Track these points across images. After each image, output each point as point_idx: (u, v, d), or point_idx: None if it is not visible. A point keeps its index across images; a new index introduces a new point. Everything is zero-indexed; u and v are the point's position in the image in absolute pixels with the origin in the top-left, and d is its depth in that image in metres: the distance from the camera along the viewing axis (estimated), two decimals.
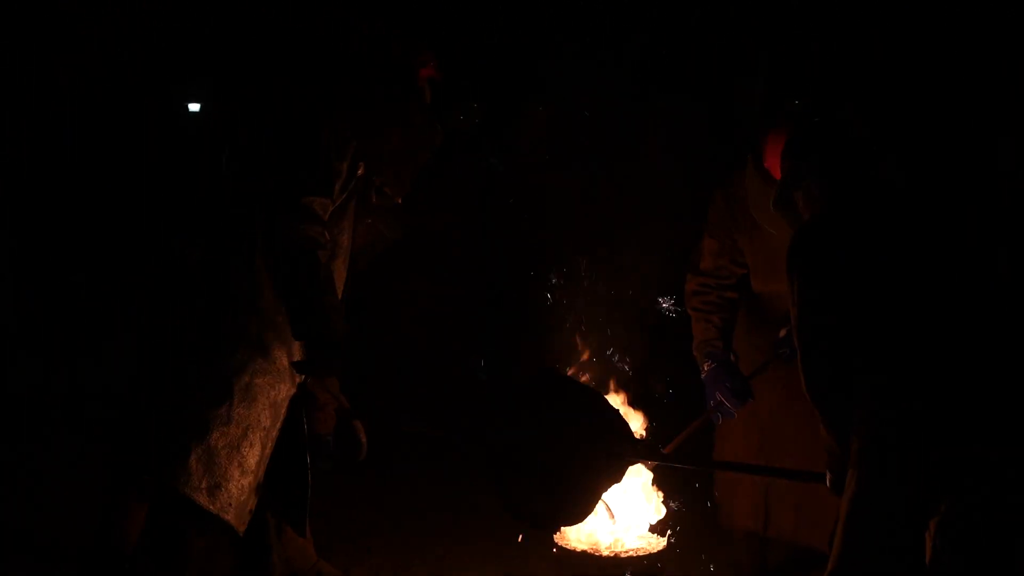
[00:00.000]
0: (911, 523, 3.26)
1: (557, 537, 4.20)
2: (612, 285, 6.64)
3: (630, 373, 4.68)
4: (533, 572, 4.72)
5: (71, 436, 7.01)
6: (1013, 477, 3.23)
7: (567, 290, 6.67)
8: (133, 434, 4.14)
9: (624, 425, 4.01)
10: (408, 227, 4.49)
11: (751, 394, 4.57)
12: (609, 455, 3.89)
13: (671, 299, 4.82)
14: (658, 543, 4.19)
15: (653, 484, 4.32)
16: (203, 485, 3.86)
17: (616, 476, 3.95)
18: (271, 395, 4.00)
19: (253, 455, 3.96)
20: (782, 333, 4.54)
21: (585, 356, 4.69)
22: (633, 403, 4.49)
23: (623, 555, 4.09)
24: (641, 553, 4.12)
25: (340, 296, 4.04)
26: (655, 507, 4.29)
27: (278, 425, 4.04)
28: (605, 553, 4.10)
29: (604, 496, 4.14)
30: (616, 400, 4.45)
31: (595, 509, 4.02)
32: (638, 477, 4.31)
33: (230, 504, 3.89)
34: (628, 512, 4.27)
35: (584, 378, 4.57)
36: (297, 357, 4.02)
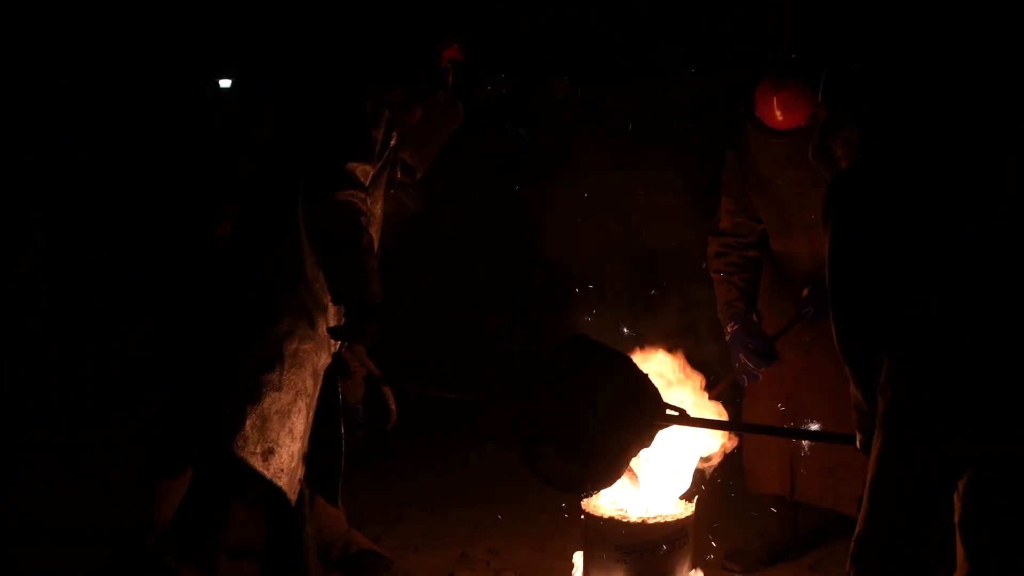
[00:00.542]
0: (939, 484, 3.25)
1: (584, 504, 4.20)
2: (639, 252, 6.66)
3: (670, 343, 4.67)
4: (564, 539, 4.74)
5: (105, 420, 7.11)
6: None
7: (598, 261, 6.68)
8: (179, 406, 4.19)
9: (654, 389, 4.00)
10: (431, 199, 4.52)
11: (776, 355, 4.58)
12: (639, 419, 3.90)
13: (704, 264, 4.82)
14: (687, 509, 4.19)
15: (681, 450, 4.32)
16: (258, 450, 3.90)
17: (646, 440, 3.95)
18: (315, 362, 4.05)
19: (300, 422, 4.00)
20: (805, 293, 4.54)
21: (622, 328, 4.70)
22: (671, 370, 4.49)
23: (651, 522, 4.09)
24: (669, 519, 4.11)
25: None
26: (682, 473, 4.28)
27: (316, 395, 4.08)
28: (633, 520, 4.10)
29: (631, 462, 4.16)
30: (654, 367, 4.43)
31: (623, 474, 4.03)
32: (665, 443, 4.31)
33: (282, 470, 3.94)
34: (655, 478, 4.27)
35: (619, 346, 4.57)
36: (332, 324, 4.06)
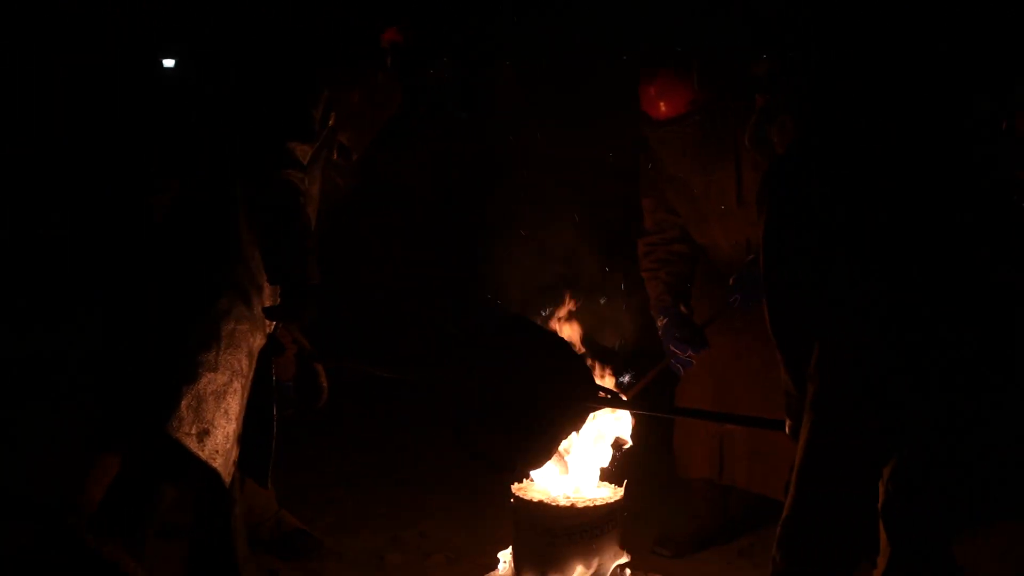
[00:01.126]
0: (865, 470, 3.28)
1: (514, 488, 4.21)
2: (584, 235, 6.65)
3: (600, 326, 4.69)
4: (495, 523, 4.75)
5: (45, 397, 7.02)
6: (964, 428, 3.25)
7: (538, 241, 6.67)
8: (116, 384, 4.14)
9: (587, 371, 4.02)
10: (363, 179, 4.51)
11: (705, 343, 4.63)
12: (571, 400, 3.90)
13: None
14: (616, 493, 4.21)
15: (609, 433, 4.33)
16: (193, 431, 3.85)
17: (577, 422, 3.96)
18: (251, 342, 4.01)
19: (236, 403, 3.96)
20: (731, 281, 4.58)
21: (561, 308, 4.69)
22: (599, 355, 4.50)
23: (580, 505, 4.10)
24: (598, 503, 4.12)
25: None
26: (608, 456, 4.30)
27: (251, 375, 4.05)
28: (562, 503, 4.11)
29: (563, 443, 4.17)
30: (583, 351, 4.45)
31: (553, 455, 4.04)
32: (593, 426, 4.32)
33: (216, 451, 3.89)
34: (583, 462, 4.28)
35: (556, 327, 4.57)
36: (268, 305, 4.04)
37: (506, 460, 3.98)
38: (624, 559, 4.20)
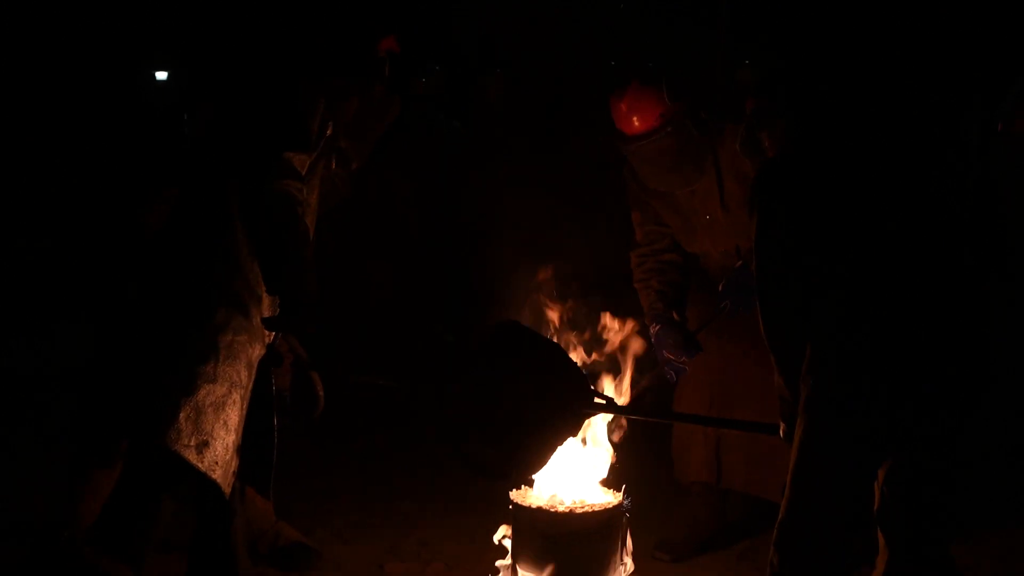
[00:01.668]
0: (860, 471, 3.29)
1: (513, 494, 4.21)
2: (574, 245, 6.66)
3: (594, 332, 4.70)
4: (494, 530, 4.74)
5: (34, 411, 6.99)
6: (958, 430, 3.27)
7: (530, 252, 6.67)
8: (110, 397, 4.14)
9: (582, 378, 4.02)
10: (360, 184, 4.51)
11: (699, 347, 4.64)
12: (565, 407, 3.91)
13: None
14: (615, 498, 4.21)
15: (608, 439, 4.34)
16: (192, 443, 3.85)
17: (572, 429, 3.97)
18: (249, 353, 4.02)
19: (235, 414, 3.96)
20: (720, 287, 4.61)
21: (552, 316, 4.69)
22: (592, 362, 4.51)
23: (579, 511, 4.10)
24: (597, 508, 4.13)
25: None
26: (608, 462, 4.31)
27: (250, 386, 4.05)
28: (561, 509, 4.11)
29: (559, 450, 4.17)
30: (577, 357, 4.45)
31: (549, 463, 4.04)
32: (593, 433, 4.33)
33: (216, 463, 3.89)
34: (582, 468, 4.29)
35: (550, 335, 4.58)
36: (266, 315, 4.04)
37: (500, 469, 3.99)
38: (629, 566, 4.20)
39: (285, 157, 3.90)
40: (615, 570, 4.17)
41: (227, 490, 3.95)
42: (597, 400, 4.00)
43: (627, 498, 4.18)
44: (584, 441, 4.29)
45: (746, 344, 4.53)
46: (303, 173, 3.96)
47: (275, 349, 4.18)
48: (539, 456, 3.93)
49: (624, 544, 4.18)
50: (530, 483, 4.31)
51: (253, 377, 4.06)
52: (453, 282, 7.60)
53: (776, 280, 3.33)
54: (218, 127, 4.18)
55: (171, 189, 4.22)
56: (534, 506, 4.14)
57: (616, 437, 4.32)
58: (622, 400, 4.34)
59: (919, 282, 3.23)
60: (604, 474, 4.30)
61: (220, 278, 4.00)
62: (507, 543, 4.25)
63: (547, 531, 4.09)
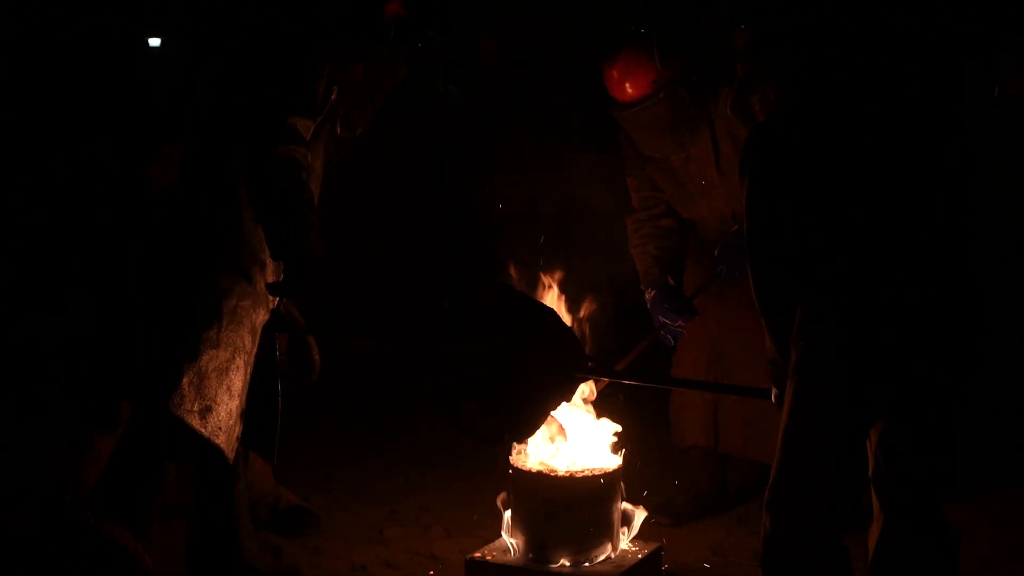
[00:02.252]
0: (850, 434, 3.28)
1: (512, 458, 4.23)
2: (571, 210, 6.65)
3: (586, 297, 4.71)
4: (494, 496, 4.76)
5: (36, 377, 6.99)
6: (948, 392, 3.27)
7: (527, 217, 6.67)
8: (113, 362, 4.14)
9: (575, 342, 4.03)
10: (358, 147, 4.50)
11: (695, 311, 4.66)
12: (558, 371, 3.92)
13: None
14: (613, 463, 4.23)
15: (605, 403, 4.36)
16: (195, 408, 3.85)
17: (565, 393, 3.97)
18: (253, 319, 4.01)
19: (239, 379, 3.96)
20: (716, 252, 4.62)
21: (548, 282, 4.70)
22: (587, 324, 4.52)
23: (578, 475, 4.12)
24: (597, 472, 4.14)
25: None
26: (607, 426, 4.32)
27: (254, 351, 4.05)
28: (561, 473, 4.13)
29: (556, 415, 4.18)
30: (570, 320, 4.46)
31: (543, 426, 4.06)
32: (591, 397, 4.34)
33: (219, 428, 3.89)
34: (582, 432, 4.30)
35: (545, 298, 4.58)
36: (271, 280, 4.04)
37: (493, 432, 4.00)
38: (640, 513, 4.24)
39: (290, 122, 3.88)
40: (614, 534, 4.20)
41: (230, 456, 3.96)
42: (591, 364, 4.01)
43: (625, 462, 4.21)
44: (584, 405, 4.31)
45: (743, 308, 4.53)
46: (308, 138, 3.94)
47: (279, 314, 4.18)
48: (532, 419, 3.95)
49: (622, 507, 4.22)
50: (528, 447, 4.33)
51: (257, 342, 4.06)
52: (448, 245, 7.61)
53: (766, 245, 3.33)
54: (222, 92, 4.15)
55: (170, 147, 4.21)
56: (534, 470, 4.15)
57: (591, 395, 4.34)
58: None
59: (912, 245, 3.23)
60: (604, 438, 4.31)
61: (224, 243, 3.99)
62: (506, 508, 4.27)
63: (546, 495, 4.11)
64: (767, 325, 3.38)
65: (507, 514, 4.27)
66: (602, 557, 4.15)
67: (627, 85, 4.53)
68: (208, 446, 3.90)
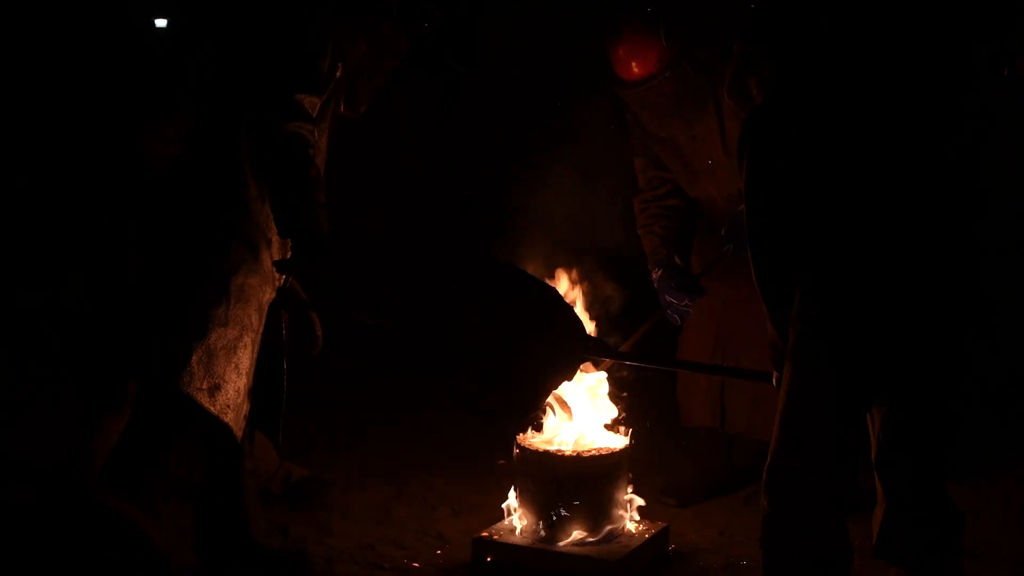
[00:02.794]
0: (847, 416, 3.28)
1: (520, 438, 4.23)
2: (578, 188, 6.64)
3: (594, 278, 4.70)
4: (501, 475, 4.77)
5: (42, 353, 6.98)
6: (947, 374, 3.27)
7: (534, 196, 6.65)
8: (120, 339, 4.13)
9: (578, 322, 4.03)
10: (361, 127, 4.49)
11: (701, 291, 4.67)
12: (561, 350, 3.92)
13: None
14: (620, 442, 4.23)
15: (613, 383, 4.36)
16: (204, 386, 3.85)
17: (567, 372, 3.98)
18: (260, 297, 4.01)
19: (246, 357, 3.96)
20: (723, 231, 4.61)
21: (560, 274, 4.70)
22: (591, 307, 4.52)
23: (585, 454, 4.13)
24: (604, 452, 4.15)
25: None
26: (611, 407, 4.33)
27: (261, 329, 4.06)
28: (568, 452, 4.14)
29: (561, 394, 4.19)
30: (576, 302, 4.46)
31: (547, 406, 4.07)
32: (599, 377, 4.34)
33: (228, 406, 3.90)
34: (588, 412, 4.30)
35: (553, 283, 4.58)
36: (278, 258, 4.03)
37: (497, 413, 4.01)
38: (638, 501, 4.24)
39: (296, 99, 3.87)
40: (620, 514, 4.20)
41: (238, 433, 3.97)
42: (593, 344, 4.02)
43: (633, 441, 4.21)
44: (587, 384, 4.31)
45: (749, 289, 4.51)
46: (314, 115, 3.93)
47: (286, 292, 4.18)
48: (534, 398, 3.95)
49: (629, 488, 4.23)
50: (537, 427, 4.33)
51: (264, 320, 4.06)
52: (452, 224, 7.59)
53: (765, 227, 3.33)
54: (225, 69, 4.13)
55: (162, 120, 4.18)
56: (541, 450, 4.16)
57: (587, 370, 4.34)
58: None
59: (910, 225, 3.22)
60: (611, 418, 4.32)
61: (231, 221, 3.98)
62: (513, 487, 4.28)
63: (553, 475, 4.12)
64: (767, 307, 3.39)
65: (512, 493, 4.28)
66: (608, 537, 4.16)
67: (633, 63, 4.51)
68: (217, 424, 3.91)
